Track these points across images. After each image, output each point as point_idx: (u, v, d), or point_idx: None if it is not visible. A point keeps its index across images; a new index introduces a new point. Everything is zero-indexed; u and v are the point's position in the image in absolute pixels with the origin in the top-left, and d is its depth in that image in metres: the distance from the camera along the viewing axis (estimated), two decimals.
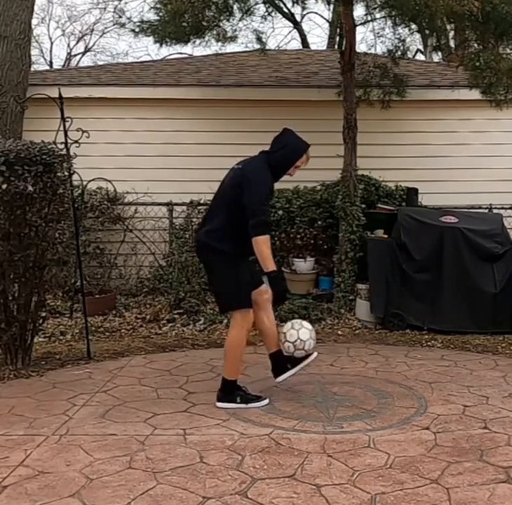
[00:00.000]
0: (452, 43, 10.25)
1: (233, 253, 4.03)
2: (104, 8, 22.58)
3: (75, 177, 5.65)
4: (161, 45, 7.62)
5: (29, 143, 4.88)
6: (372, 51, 8.61)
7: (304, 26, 20.01)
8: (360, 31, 20.48)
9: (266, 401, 4.18)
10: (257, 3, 7.51)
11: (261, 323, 4.29)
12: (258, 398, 4.18)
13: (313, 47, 19.17)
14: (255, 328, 4.44)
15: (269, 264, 3.94)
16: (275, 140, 4.22)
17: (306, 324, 4.29)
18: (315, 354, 4.31)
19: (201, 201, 7.96)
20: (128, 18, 8.36)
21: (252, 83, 8.58)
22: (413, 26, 7.58)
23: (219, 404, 4.13)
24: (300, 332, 4.19)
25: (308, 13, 18.36)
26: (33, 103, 6.24)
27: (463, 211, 7.40)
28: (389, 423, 3.84)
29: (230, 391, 4.15)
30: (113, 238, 7.88)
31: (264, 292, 4.23)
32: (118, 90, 8.29)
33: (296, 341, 4.16)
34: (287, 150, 4.15)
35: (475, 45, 7.05)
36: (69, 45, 25.42)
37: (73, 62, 23.08)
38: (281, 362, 4.28)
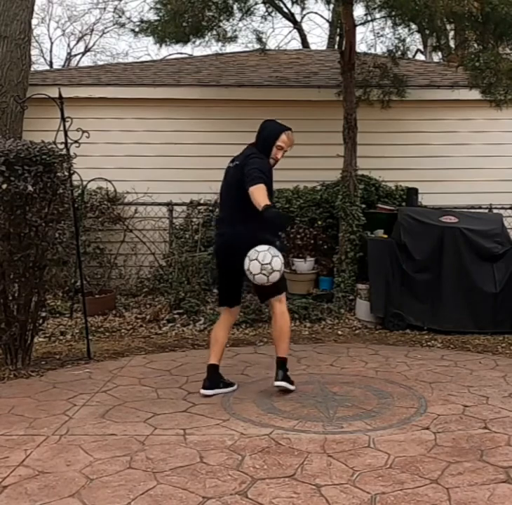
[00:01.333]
0: (452, 43, 10.23)
1: (268, 239, 4.20)
2: (104, 8, 22.58)
3: (75, 177, 5.65)
4: (161, 45, 7.63)
5: (29, 143, 4.88)
6: (372, 51, 8.62)
7: (304, 26, 20.02)
8: (360, 31, 20.51)
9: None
10: (257, 3, 7.52)
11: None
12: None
13: (313, 47, 19.18)
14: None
15: (262, 201, 3.98)
16: (257, 132, 4.49)
17: (259, 247, 4.11)
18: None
19: (201, 201, 7.98)
20: (128, 18, 8.33)
21: (252, 83, 8.58)
22: (413, 26, 7.57)
23: (281, 383, 4.32)
24: (259, 257, 4.08)
25: (308, 13, 18.37)
26: (33, 103, 6.23)
27: (463, 211, 7.40)
28: (389, 423, 3.84)
29: (287, 369, 4.37)
30: (113, 238, 7.88)
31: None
32: (118, 90, 8.29)
33: (262, 268, 4.08)
34: (265, 133, 4.43)
35: (475, 45, 7.05)
36: (69, 45, 25.47)
37: (74, 62, 23.08)
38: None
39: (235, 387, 4.46)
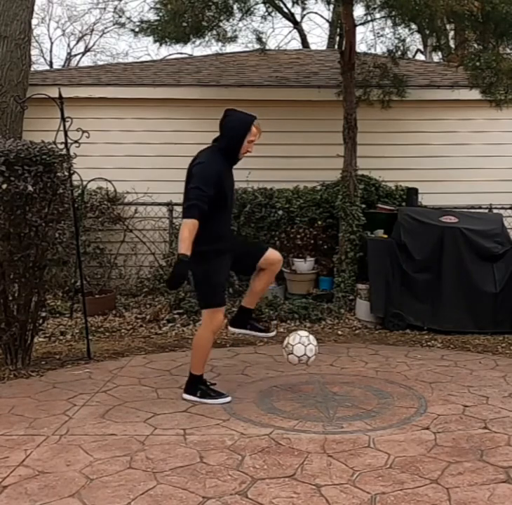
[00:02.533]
0: (452, 43, 10.24)
1: (207, 251, 3.99)
2: (104, 8, 22.56)
3: (75, 177, 5.65)
4: (161, 45, 7.63)
5: (29, 143, 4.88)
6: (372, 51, 8.63)
7: (304, 26, 20.00)
8: (360, 31, 20.50)
9: (228, 399, 4.22)
10: (257, 3, 7.51)
11: (258, 280, 4.36)
12: (220, 395, 4.26)
13: (313, 47, 19.16)
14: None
15: (182, 247, 3.82)
16: (220, 124, 4.18)
17: (312, 339, 4.33)
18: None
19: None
20: (128, 18, 8.32)
21: (252, 83, 8.58)
22: (413, 26, 7.57)
23: (185, 395, 4.28)
24: (307, 348, 4.27)
25: (308, 13, 18.35)
26: (33, 103, 6.23)
27: (463, 211, 7.39)
28: (389, 423, 3.84)
29: (193, 384, 4.27)
30: (113, 238, 7.88)
31: (276, 261, 4.32)
32: (118, 90, 8.29)
33: (302, 356, 4.26)
34: (233, 129, 4.10)
35: (475, 45, 7.05)
36: (69, 45, 25.41)
37: (74, 62, 23.08)
38: (244, 317, 4.41)
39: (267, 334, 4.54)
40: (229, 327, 4.47)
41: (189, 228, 3.88)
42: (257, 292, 4.44)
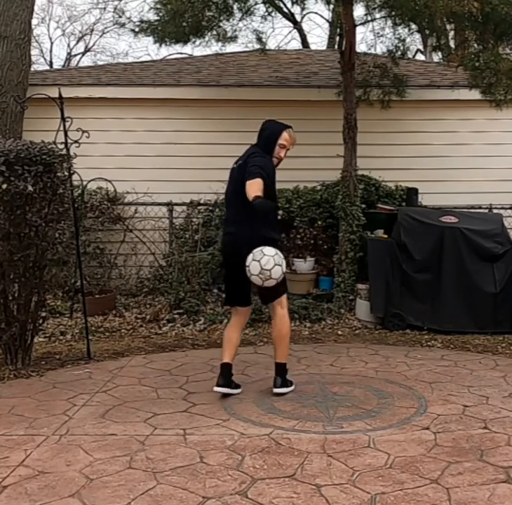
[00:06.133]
0: (452, 43, 10.24)
1: (276, 239, 4.31)
2: (104, 8, 22.61)
3: (75, 177, 5.65)
4: (161, 45, 7.63)
5: (29, 143, 4.88)
6: (372, 51, 8.63)
7: (304, 26, 20.02)
8: (360, 31, 20.54)
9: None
10: (257, 3, 7.51)
11: (236, 331, 4.48)
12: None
13: (313, 47, 19.18)
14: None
15: (253, 194, 3.97)
16: (258, 133, 4.52)
17: (266, 250, 4.13)
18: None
19: (201, 201, 7.98)
20: (128, 18, 8.33)
21: (252, 83, 8.58)
22: (413, 26, 7.57)
23: (282, 390, 4.33)
24: (262, 261, 4.10)
25: (308, 13, 18.39)
26: (33, 103, 6.23)
27: (463, 211, 7.40)
28: (389, 423, 3.84)
29: (286, 373, 4.41)
30: (113, 238, 7.88)
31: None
32: (118, 90, 8.29)
33: (260, 272, 4.08)
34: (267, 132, 4.45)
35: (475, 45, 7.05)
36: (69, 45, 25.49)
37: (74, 62, 23.09)
38: (229, 375, 4.37)
39: (240, 390, 4.43)
40: (215, 388, 4.32)
41: (255, 183, 4.05)
42: (236, 345, 4.45)
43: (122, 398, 4.33)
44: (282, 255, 4.18)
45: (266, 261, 4.06)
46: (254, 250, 4.11)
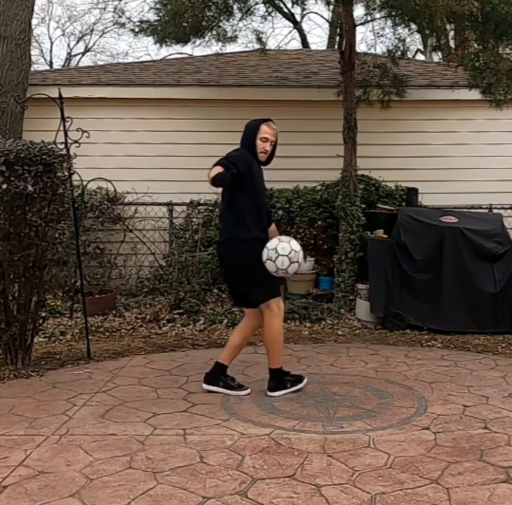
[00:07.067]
0: (452, 43, 10.24)
1: (257, 238, 4.22)
2: (104, 8, 22.63)
3: (75, 177, 5.65)
4: (161, 45, 7.64)
5: (29, 143, 4.88)
6: (372, 51, 8.66)
7: (304, 26, 20.03)
8: (360, 31, 20.55)
9: (304, 382, 4.44)
10: (257, 3, 7.52)
11: (236, 335, 4.49)
12: (299, 380, 4.43)
13: (313, 47, 19.19)
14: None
15: (214, 171, 3.95)
16: None
17: (288, 239, 4.27)
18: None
19: (201, 201, 7.98)
20: (128, 18, 8.33)
21: (252, 83, 8.59)
22: (413, 26, 7.57)
23: (273, 393, 4.30)
24: (292, 243, 4.18)
25: (308, 13, 18.39)
26: (33, 103, 6.24)
27: (463, 211, 7.40)
28: (389, 423, 3.84)
29: (280, 378, 4.35)
30: (113, 238, 7.88)
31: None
32: (118, 90, 8.29)
33: (290, 252, 4.12)
34: (246, 131, 4.43)
35: (475, 45, 7.06)
36: (69, 45, 25.50)
37: (73, 62, 23.11)
38: (217, 374, 4.41)
39: (246, 392, 4.39)
40: (202, 384, 4.43)
41: (214, 169, 3.98)
42: (234, 347, 4.44)
43: (122, 398, 4.32)
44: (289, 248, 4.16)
45: (294, 244, 4.19)
46: (280, 237, 4.26)
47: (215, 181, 3.92)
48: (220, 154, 4.33)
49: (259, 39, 8.04)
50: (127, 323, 6.72)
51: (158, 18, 7.34)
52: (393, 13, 6.89)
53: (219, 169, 3.98)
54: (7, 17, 7.79)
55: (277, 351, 4.32)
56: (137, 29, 7.66)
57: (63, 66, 22.07)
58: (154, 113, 8.20)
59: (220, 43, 7.81)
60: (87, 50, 23.95)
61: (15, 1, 7.82)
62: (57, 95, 5.36)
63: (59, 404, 4.20)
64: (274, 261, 4.11)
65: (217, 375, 4.42)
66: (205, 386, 4.41)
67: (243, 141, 4.41)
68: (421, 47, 16.03)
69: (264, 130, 4.34)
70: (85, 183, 7.17)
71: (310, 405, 4.16)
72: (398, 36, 7.69)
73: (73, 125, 5.25)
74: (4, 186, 4.58)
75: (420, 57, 15.77)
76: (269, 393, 4.31)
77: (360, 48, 8.56)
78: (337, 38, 16.88)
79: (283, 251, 4.11)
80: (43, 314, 5.23)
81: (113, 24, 19.08)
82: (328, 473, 3.13)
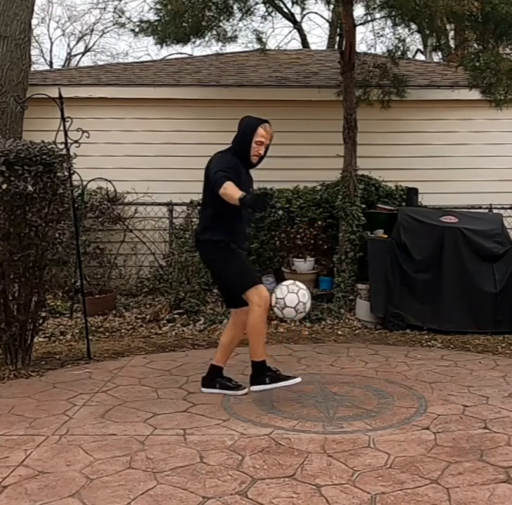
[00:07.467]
0: (452, 43, 10.25)
1: (223, 240, 4.15)
2: (104, 8, 22.64)
3: (75, 177, 5.65)
4: (161, 45, 7.64)
5: (29, 143, 4.88)
6: (372, 51, 8.65)
7: (304, 26, 20.04)
8: (360, 31, 20.55)
9: (298, 379, 4.25)
10: (257, 3, 7.52)
11: (225, 334, 4.47)
12: (289, 377, 4.26)
13: (313, 47, 19.19)
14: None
15: (236, 196, 3.85)
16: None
17: (300, 284, 4.26)
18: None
19: (201, 201, 7.97)
20: (128, 18, 8.34)
21: (252, 83, 8.58)
22: (413, 26, 7.58)
23: (254, 387, 4.24)
24: (299, 294, 4.18)
25: (308, 13, 18.38)
26: (33, 103, 6.24)
27: (463, 211, 7.40)
28: (389, 423, 3.84)
29: (261, 372, 4.22)
30: (113, 238, 7.88)
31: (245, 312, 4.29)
32: (118, 90, 8.29)
33: (297, 304, 4.16)
34: (241, 130, 4.27)
35: (475, 45, 7.06)
36: (69, 45, 25.49)
37: (73, 62, 23.11)
38: (213, 376, 4.41)
39: (243, 391, 4.36)
40: (201, 388, 4.43)
41: (229, 186, 3.91)
42: (225, 346, 4.41)
43: (122, 398, 4.32)
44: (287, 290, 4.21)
45: (302, 295, 4.19)
46: (287, 283, 4.27)
47: (243, 203, 3.86)
48: None
49: (259, 39, 8.04)
50: (127, 323, 6.72)
51: (158, 18, 7.34)
52: (393, 13, 6.89)
53: (234, 188, 3.90)
54: (7, 17, 7.78)
55: (258, 342, 4.17)
56: (137, 29, 7.66)
57: (63, 66, 22.08)
58: (154, 113, 8.20)
59: (220, 43, 7.83)
60: (87, 50, 23.98)
61: (15, 1, 7.82)
62: (57, 95, 5.36)
63: (59, 404, 4.20)
64: (281, 311, 4.21)
65: (213, 377, 4.42)
66: (203, 390, 4.42)
67: (236, 139, 4.28)
68: (421, 47, 16.03)
69: (261, 134, 4.20)
70: (85, 183, 7.17)
71: (310, 405, 4.16)
72: (398, 36, 7.70)
73: (74, 125, 5.26)
74: (4, 186, 4.59)
75: (420, 57, 15.77)
76: (251, 388, 4.27)
77: (360, 48, 8.58)
78: (337, 38, 16.88)
79: (291, 303, 4.16)
80: (43, 314, 5.23)
81: (113, 24, 19.09)
82: (328, 473, 3.13)
